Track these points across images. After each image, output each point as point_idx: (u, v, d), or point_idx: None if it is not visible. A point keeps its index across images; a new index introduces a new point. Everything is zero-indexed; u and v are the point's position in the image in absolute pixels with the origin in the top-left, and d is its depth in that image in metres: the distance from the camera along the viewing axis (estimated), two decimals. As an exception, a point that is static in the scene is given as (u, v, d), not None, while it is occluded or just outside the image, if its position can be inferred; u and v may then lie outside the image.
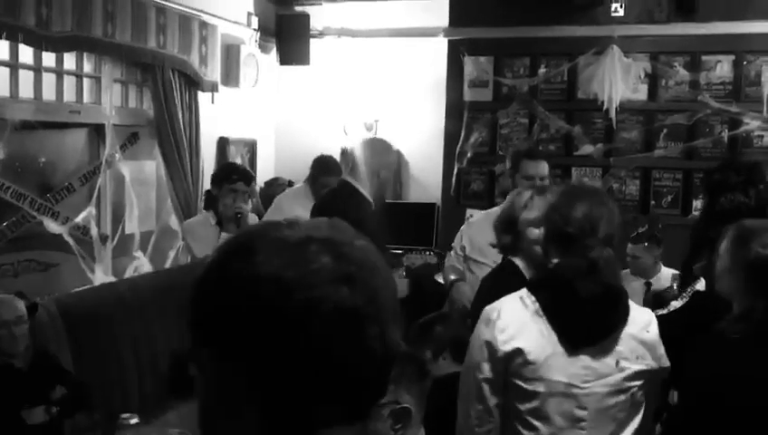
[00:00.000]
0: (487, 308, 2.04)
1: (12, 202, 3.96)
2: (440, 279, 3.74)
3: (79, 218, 4.39)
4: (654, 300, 3.23)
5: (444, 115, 5.67)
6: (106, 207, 4.65)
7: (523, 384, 1.94)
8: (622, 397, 1.93)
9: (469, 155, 5.58)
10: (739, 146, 5.02)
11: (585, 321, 1.92)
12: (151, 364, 4.29)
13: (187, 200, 4.87)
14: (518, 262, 2.57)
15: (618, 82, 5.15)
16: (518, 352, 1.93)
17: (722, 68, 5.07)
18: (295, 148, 6.12)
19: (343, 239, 0.76)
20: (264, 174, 6.05)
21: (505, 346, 1.94)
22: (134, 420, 2.71)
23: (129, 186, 4.79)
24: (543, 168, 3.55)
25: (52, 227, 4.19)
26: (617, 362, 1.91)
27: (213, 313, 0.73)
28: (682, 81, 5.13)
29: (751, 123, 4.97)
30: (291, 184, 5.61)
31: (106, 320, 4.02)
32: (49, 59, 4.12)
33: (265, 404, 0.71)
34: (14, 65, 3.92)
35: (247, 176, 4.06)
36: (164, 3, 4.63)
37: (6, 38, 3.63)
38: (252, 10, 5.82)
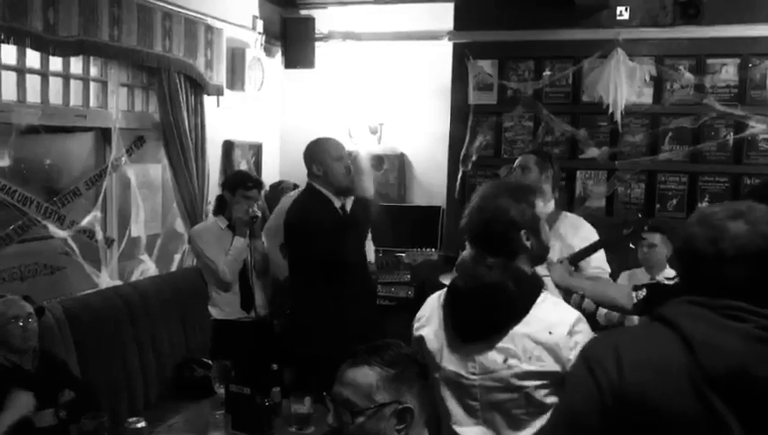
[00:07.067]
0: None
1: (18, 206, 3.97)
2: (445, 281, 3.74)
3: (85, 222, 4.39)
4: None
5: (449, 118, 5.68)
6: (112, 211, 4.66)
7: (432, 371, 2.05)
8: (515, 395, 1.94)
9: (474, 158, 5.59)
10: (744, 149, 5.02)
11: (467, 317, 1.99)
12: (157, 368, 4.30)
13: (192, 203, 4.88)
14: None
15: (623, 85, 5.14)
16: (421, 339, 2.09)
17: (727, 71, 5.07)
18: (300, 151, 6.08)
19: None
20: (269, 177, 6.06)
21: (416, 332, 2.13)
22: (140, 425, 2.72)
23: (135, 189, 4.80)
24: (526, 159, 3.47)
25: (58, 230, 4.20)
26: (505, 359, 1.94)
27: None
28: (687, 84, 5.12)
29: (756, 126, 4.97)
30: (296, 187, 5.61)
31: (112, 323, 4.03)
32: (55, 63, 4.14)
33: None
34: (20, 70, 3.94)
35: (260, 183, 4.24)
36: (170, 7, 4.65)
37: (14, 43, 3.64)
38: (257, 14, 5.84)
